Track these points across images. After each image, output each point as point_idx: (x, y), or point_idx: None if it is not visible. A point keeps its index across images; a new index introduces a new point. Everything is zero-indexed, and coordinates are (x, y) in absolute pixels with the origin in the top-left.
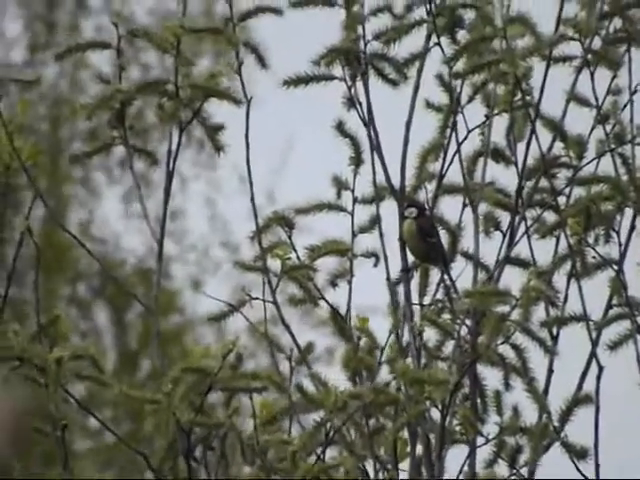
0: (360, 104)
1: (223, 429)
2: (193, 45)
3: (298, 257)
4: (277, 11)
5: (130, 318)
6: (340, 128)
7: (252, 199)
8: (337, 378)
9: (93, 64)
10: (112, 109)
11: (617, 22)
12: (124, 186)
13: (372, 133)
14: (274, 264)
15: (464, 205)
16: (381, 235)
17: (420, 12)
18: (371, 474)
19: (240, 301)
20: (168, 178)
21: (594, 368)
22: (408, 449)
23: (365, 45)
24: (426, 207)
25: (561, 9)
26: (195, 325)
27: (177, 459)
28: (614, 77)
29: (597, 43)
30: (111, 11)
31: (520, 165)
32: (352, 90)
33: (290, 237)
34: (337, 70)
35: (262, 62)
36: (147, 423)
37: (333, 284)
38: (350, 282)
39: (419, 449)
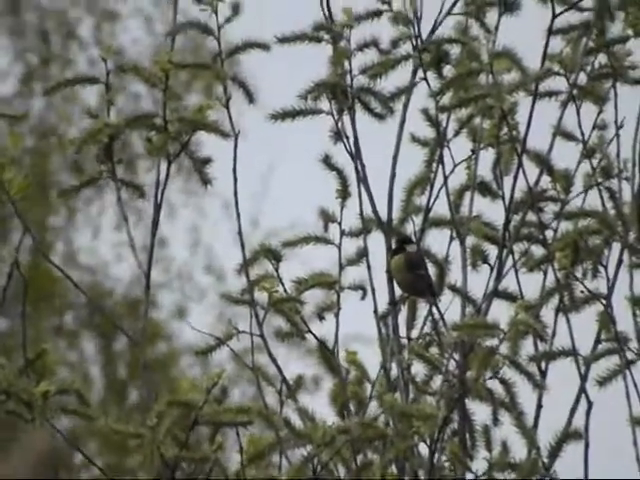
0: (347, 138)
1: (208, 464)
2: (185, 80)
3: (285, 289)
4: (265, 46)
5: (118, 347)
6: (327, 161)
7: (239, 231)
8: (323, 409)
9: (82, 97)
10: (100, 143)
11: (602, 58)
12: (109, 214)
13: (359, 166)
14: (261, 296)
15: (451, 238)
16: (369, 267)
17: (406, 47)
18: None
19: (227, 334)
20: (156, 210)
21: (583, 403)
22: None
23: (352, 79)
24: (414, 240)
25: (547, 44)
26: (181, 354)
27: None
28: (600, 112)
29: (583, 78)
30: (100, 43)
31: (507, 199)
32: (339, 124)
33: (277, 269)
34: (324, 104)
35: (250, 97)
36: (132, 457)
37: (320, 317)
38: (337, 315)
39: None
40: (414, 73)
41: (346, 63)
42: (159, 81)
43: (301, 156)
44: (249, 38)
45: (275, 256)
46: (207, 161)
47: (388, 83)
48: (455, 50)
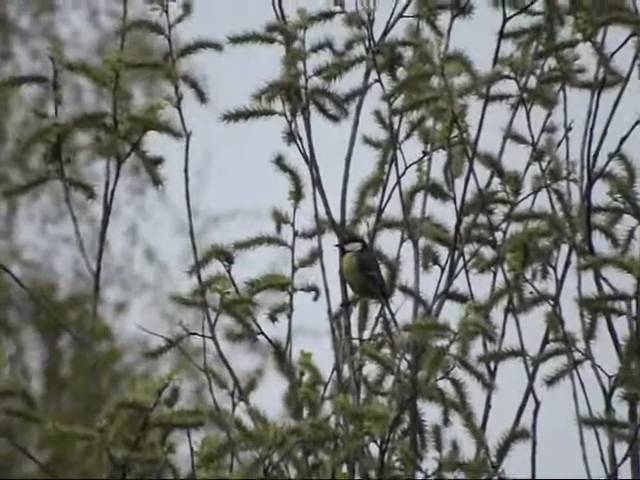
0: (300, 139)
1: (159, 465)
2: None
3: (237, 291)
4: (217, 46)
5: (61, 344)
6: (280, 162)
7: (191, 232)
8: (268, 404)
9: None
10: (48, 142)
11: (552, 61)
12: (48, 206)
13: (313, 167)
14: (213, 297)
15: (402, 239)
16: (322, 269)
17: (360, 49)
18: None
19: (178, 336)
20: (105, 211)
21: (531, 403)
22: None
23: (306, 81)
24: (366, 241)
25: (498, 48)
26: (124, 352)
27: None
28: (549, 115)
29: (532, 82)
30: (43, 35)
31: (458, 201)
32: (292, 125)
33: (229, 271)
34: (277, 105)
35: (201, 96)
36: (72, 452)
37: (273, 318)
38: (290, 316)
39: None
40: (367, 75)
41: (300, 64)
42: (109, 80)
43: (240, 146)
44: (201, 38)
45: (227, 257)
46: (158, 161)
47: (342, 85)
48: (408, 53)
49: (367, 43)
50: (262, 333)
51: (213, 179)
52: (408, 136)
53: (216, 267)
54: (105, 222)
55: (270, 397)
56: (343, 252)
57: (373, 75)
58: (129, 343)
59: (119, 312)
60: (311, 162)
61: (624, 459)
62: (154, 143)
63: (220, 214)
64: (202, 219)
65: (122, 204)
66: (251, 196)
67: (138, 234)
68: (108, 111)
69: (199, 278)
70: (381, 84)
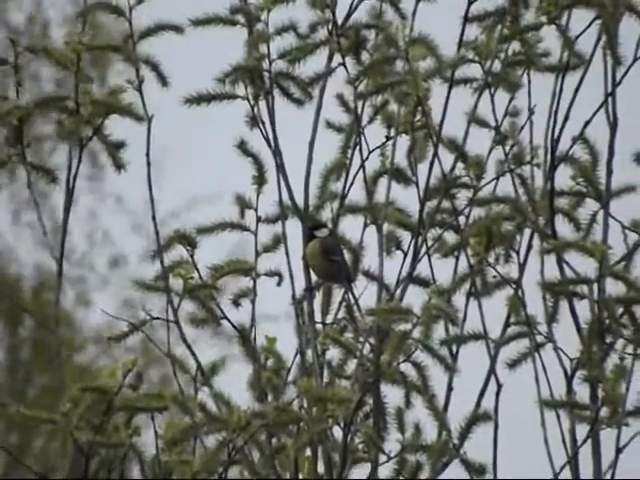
0: (263, 123)
1: (123, 449)
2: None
3: (200, 276)
4: (178, 29)
5: (23, 332)
6: (242, 147)
7: (154, 217)
8: (232, 390)
9: None
10: (9, 125)
11: (516, 45)
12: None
13: (276, 152)
14: (176, 283)
15: (366, 224)
16: (286, 254)
17: (324, 32)
18: None
19: (141, 320)
20: (68, 197)
21: (493, 386)
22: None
23: (269, 64)
24: (329, 226)
25: (462, 32)
26: (85, 340)
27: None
28: (512, 99)
29: (497, 66)
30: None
31: (422, 185)
32: (255, 109)
33: (192, 256)
34: (241, 89)
35: (163, 80)
36: (46, 443)
37: (236, 303)
38: (253, 301)
39: (322, 468)
40: (330, 59)
41: (264, 47)
42: (70, 63)
43: (199, 136)
44: (162, 20)
45: (190, 242)
46: (120, 145)
47: (306, 68)
48: (372, 36)
49: (331, 26)
50: (226, 318)
51: (172, 168)
52: (371, 120)
53: (179, 252)
54: (68, 207)
55: (237, 383)
56: (311, 238)
57: (337, 58)
58: (92, 335)
59: (81, 303)
60: (274, 147)
61: (585, 441)
62: (114, 128)
63: (180, 204)
64: (161, 212)
65: (80, 192)
66: (213, 183)
67: (99, 230)
68: (70, 95)
69: (162, 263)
70: (345, 67)
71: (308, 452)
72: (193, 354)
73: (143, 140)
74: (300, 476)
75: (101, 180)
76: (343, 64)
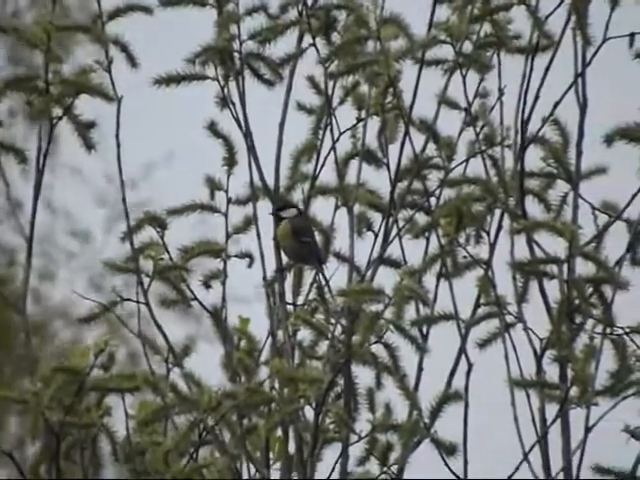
0: (234, 104)
1: (95, 429)
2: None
3: (171, 258)
4: (147, 9)
5: None
6: (212, 128)
7: (124, 199)
8: (203, 372)
9: None
10: None
11: (487, 27)
12: None
13: (246, 133)
14: (146, 264)
15: (337, 206)
16: (258, 235)
17: (295, 12)
18: (244, 474)
19: (112, 301)
20: (38, 175)
21: (463, 365)
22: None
23: (240, 45)
24: (300, 207)
25: (433, 12)
26: (51, 318)
27: (53, 460)
28: (482, 80)
29: (468, 47)
30: None
31: (393, 167)
32: (225, 90)
33: (162, 237)
34: (211, 70)
35: (132, 60)
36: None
37: (206, 285)
38: (224, 283)
39: (293, 448)
40: (301, 39)
41: (234, 27)
42: (40, 42)
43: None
44: (131, 1)
45: (160, 223)
46: (90, 125)
47: (276, 49)
48: (343, 16)
49: (301, 6)
50: (196, 299)
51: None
52: (342, 102)
53: (149, 234)
54: (38, 185)
55: (209, 364)
56: (278, 219)
57: (308, 39)
58: (56, 312)
59: (45, 280)
60: (245, 128)
61: (554, 420)
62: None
63: (136, 172)
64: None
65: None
66: (184, 164)
67: (55, 202)
68: (40, 74)
69: (131, 244)
70: (316, 48)
71: (279, 432)
72: (164, 335)
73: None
74: (271, 456)
75: (57, 155)
76: (314, 45)
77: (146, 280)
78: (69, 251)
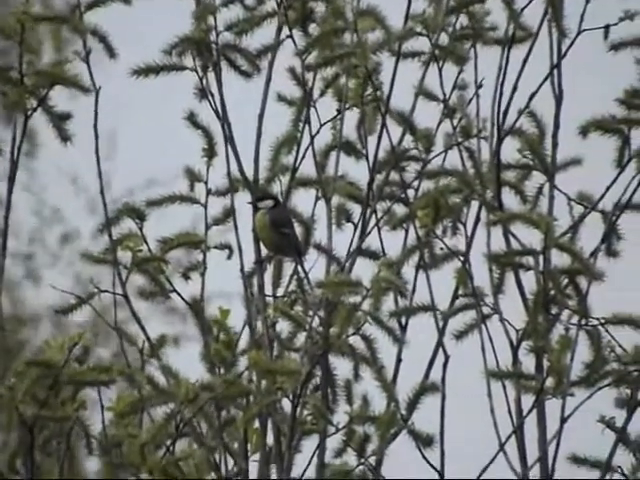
0: (212, 95)
1: (69, 423)
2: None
3: (149, 249)
4: (125, 0)
5: None
6: (191, 119)
7: (102, 191)
8: (186, 368)
9: None
10: None
11: (463, 19)
12: None
13: (225, 124)
14: (124, 256)
15: (317, 197)
16: (236, 227)
17: (272, 4)
18: (222, 466)
19: (89, 293)
20: (12, 168)
21: (441, 357)
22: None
23: (217, 36)
24: (279, 199)
25: (409, 4)
26: (36, 318)
27: (28, 454)
28: (460, 72)
29: (445, 39)
30: None
31: (371, 158)
32: (203, 81)
33: (141, 229)
34: (188, 61)
35: (110, 51)
36: None
37: (185, 276)
38: (203, 274)
39: (271, 440)
40: (279, 31)
41: (211, 19)
42: (14, 33)
43: (150, 114)
44: None
45: (138, 215)
46: (66, 117)
47: (254, 40)
48: (320, 8)
49: None
50: (175, 291)
51: (124, 146)
52: (322, 94)
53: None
54: (12, 178)
55: (188, 357)
56: (256, 210)
57: (285, 31)
58: (43, 314)
59: (30, 280)
60: (223, 119)
61: (530, 411)
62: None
63: (137, 184)
64: (116, 191)
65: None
66: (165, 160)
67: (47, 200)
68: (14, 65)
69: (110, 236)
70: (293, 40)
71: (257, 424)
72: (142, 327)
73: (99, 118)
74: (249, 448)
75: (34, 157)
76: (291, 36)
77: (125, 272)
78: (55, 253)
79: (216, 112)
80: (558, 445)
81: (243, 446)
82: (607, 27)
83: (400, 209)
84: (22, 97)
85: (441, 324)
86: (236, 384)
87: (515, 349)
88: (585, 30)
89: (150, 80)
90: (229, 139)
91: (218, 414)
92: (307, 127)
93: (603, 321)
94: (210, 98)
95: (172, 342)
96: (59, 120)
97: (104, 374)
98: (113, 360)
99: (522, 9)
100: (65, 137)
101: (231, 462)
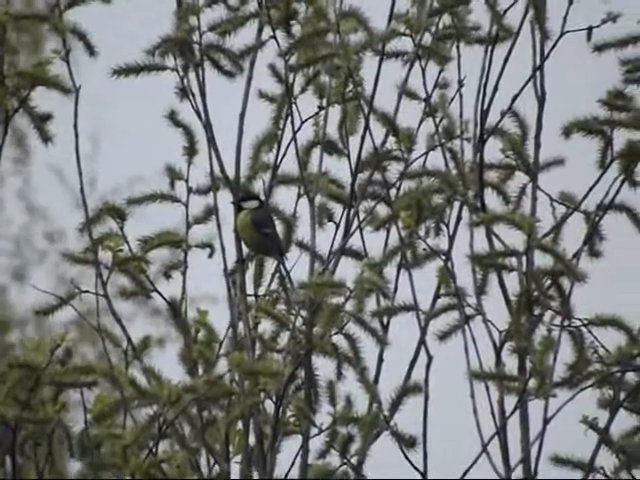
0: (194, 95)
1: (51, 424)
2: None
3: (130, 249)
4: None
5: None
6: (173, 118)
7: (82, 190)
8: (170, 370)
9: None
10: None
11: (446, 19)
12: None
13: (206, 123)
14: (105, 256)
15: (299, 196)
16: (218, 226)
17: (255, 4)
18: (204, 467)
19: (69, 294)
20: None
21: (423, 357)
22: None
23: (200, 36)
24: (261, 198)
25: (393, 5)
26: (20, 320)
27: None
28: (441, 71)
29: (427, 39)
30: None
31: (354, 158)
32: (185, 80)
33: (122, 228)
34: (170, 61)
35: (90, 50)
36: None
37: (167, 275)
38: (184, 273)
39: (253, 441)
40: (260, 31)
41: (194, 19)
42: None
43: (134, 113)
44: None
45: (119, 214)
46: (47, 117)
47: (236, 40)
48: (303, 9)
49: None
50: (155, 290)
51: (107, 147)
52: (303, 91)
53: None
54: None
55: (170, 358)
56: (239, 210)
57: (268, 31)
58: (29, 316)
59: (17, 281)
60: (205, 118)
61: (513, 412)
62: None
63: (122, 182)
64: (101, 191)
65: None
66: (148, 160)
67: (33, 207)
68: None
69: (90, 235)
70: (276, 40)
71: (239, 425)
72: (123, 328)
73: (84, 117)
74: (231, 449)
75: (26, 164)
76: (274, 37)
77: (105, 272)
78: (42, 250)
79: (197, 112)
80: (541, 446)
81: (225, 447)
82: (590, 29)
83: (382, 209)
84: (3, 98)
85: (424, 324)
86: (218, 385)
87: (498, 350)
88: (568, 32)
89: (137, 78)
90: (210, 138)
91: (200, 415)
92: (289, 124)
93: (586, 322)
94: (191, 98)
95: (156, 343)
96: (40, 121)
97: (86, 375)
98: (98, 361)
99: (505, 11)
100: (46, 138)
101: (213, 463)
